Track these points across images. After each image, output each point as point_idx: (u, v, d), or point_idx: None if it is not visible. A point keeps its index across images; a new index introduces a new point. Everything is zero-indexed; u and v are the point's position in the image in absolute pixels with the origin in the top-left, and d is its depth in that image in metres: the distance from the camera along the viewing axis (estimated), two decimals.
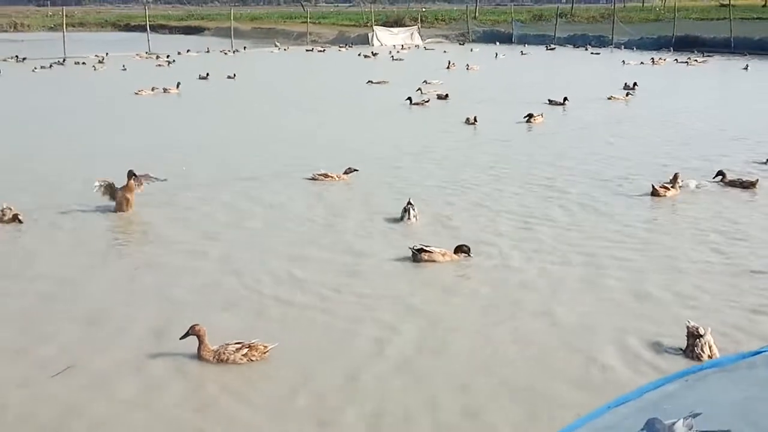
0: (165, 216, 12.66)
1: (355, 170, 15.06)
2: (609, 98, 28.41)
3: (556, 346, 7.60)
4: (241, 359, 7.13)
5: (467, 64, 43.37)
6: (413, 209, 12.19)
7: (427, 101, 27.32)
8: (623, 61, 45.27)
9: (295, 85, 34.75)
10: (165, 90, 31.55)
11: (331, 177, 14.91)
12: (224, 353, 7.16)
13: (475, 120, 22.54)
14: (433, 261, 10.18)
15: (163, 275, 9.82)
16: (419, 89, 29.25)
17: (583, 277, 9.76)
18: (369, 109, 26.73)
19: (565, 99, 26.62)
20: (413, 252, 10.37)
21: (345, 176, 14.95)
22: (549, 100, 27.00)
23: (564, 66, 45.24)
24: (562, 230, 11.85)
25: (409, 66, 45.95)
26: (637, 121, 23.46)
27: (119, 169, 13.45)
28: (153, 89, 31.43)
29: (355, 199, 13.91)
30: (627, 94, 28.77)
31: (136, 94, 30.58)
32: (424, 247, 10.37)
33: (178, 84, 32.57)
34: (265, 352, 7.22)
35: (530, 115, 23.07)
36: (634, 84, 31.19)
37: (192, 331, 7.34)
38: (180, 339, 7.36)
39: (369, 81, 34.96)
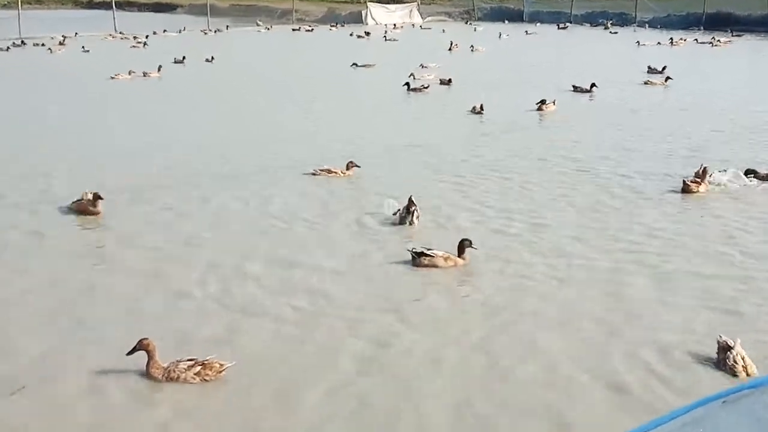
0: (140, 219, 12.58)
1: (357, 166, 15.13)
2: (645, 83, 28.59)
3: (572, 363, 7.54)
4: (193, 378, 7.07)
5: (472, 45, 43.49)
6: (416, 209, 12.09)
7: (426, 87, 27.30)
8: (638, 42, 45.34)
9: (282, 70, 34.79)
10: (145, 74, 31.71)
11: (335, 172, 15.00)
12: (174, 371, 7.11)
13: (482, 109, 22.56)
14: (435, 266, 10.13)
15: (133, 283, 9.75)
16: (412, 75, 29.31)
17: (602, 285, 9.66)
18: (363, 97, 26.68)
19: (593, 86, 26.48)
20: (413, 255, 10.29)
21: (349, 172, 15.07)
22: (574, 87, 26.92)
23: (575, 46, 45.39)
24: (580, 232, 11.78)
25: (402, 47, 46.00)
26: (669, 108, 23.51)
27: (101, 175, 13.30)
28: (130, 73, 31.57)
29: (352, 197, 13.88)
30: (666, 79, 28.76)
31: (113, 78, 30.70)
32: (425, 251, 10.29)
33: (160, 67, 32.72)
34: (220, 371, 7.16)
35: (542, 102, 23.12)
36: (663, 68, 31.23)
37: (140, 346, 7.26)
38: (127, 354, 7.30)
39: (354, 64, 35.05)
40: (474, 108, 22.81)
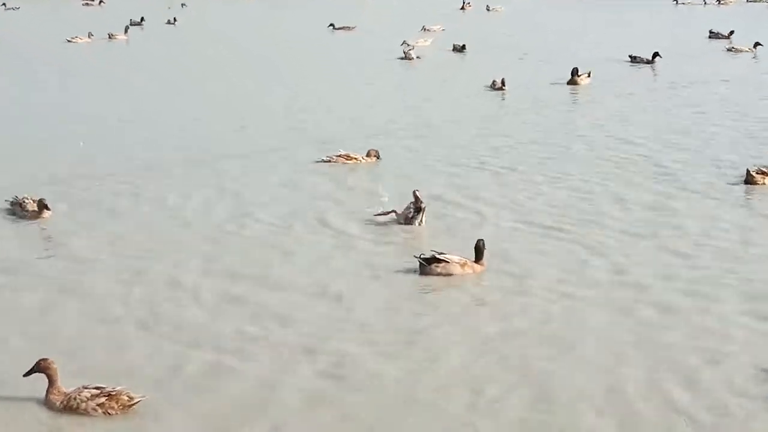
0: (80, 217, 12.38)
1: (376, 153, 15.12)
2: (729, 49, 28.43)
3: (600, 395, 7.38)
4: (95, 410, 6.97)
5: (487, 5, 43.21)
6: (423, 206, 11.72)
7: (416, 56, 27.51)
8: (676, 2, 45.32)
9: (256, 34, 34.50)
10: (110, 36, 31.94)
11: (354, 159, 15.03)
12: (75, 399, 6.99)
13: (503, 84, 22.14)
14: (449, 273, 9.82)
15: (44, 297, 9.51)
16: (405, 42, 29.08)
17: (641, 300, 9.20)
18: (359, 67, 26.37)
19: (656, 55, 25.99)
20: (421, 262, 9.95)
21: (370, 159, 15.10)
22: (631, 57, 26.60)
23: (607, 6, 44.83)
24: (619, 235, 11.25)
25: (400, 4, 45.74)
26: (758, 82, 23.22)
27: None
28: (90, 36, 31.71)
29: (348, 190, 13.63)
30: (755, 45, 28.25)
31: (69, 41, 30.87)
32: (437, 255, 9.95)
33: (127, 28, 33.00)
34: (129, 405, 7.02)
35: (574, 73, 22.76)
36: (730, 33, 31.07)
37: (38, 368, 7.17)
38: (24, 376, 7.21)
39: (331, 25, 34.89)
40: (494, 83, 22.44)
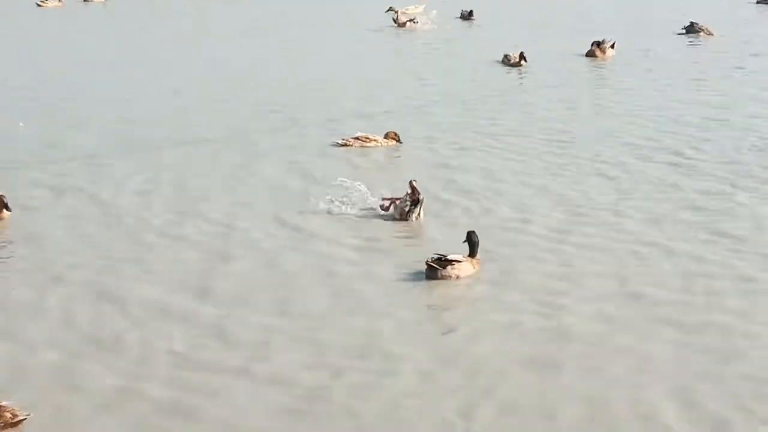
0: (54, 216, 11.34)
1: (398, 140, 14.26)
2: None
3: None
4: None
5: None
6: (421, 198, 10.94)
7: (408, 21, 26.45)
8: None
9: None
10: None
11: (374, 141, 14.26)
12: None
13: (521, 59, 20.21)
14: (458, 276, 9.18)
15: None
16: (390, 8, 27.93)
17: (669, 316, 8.26)
18: (348, 40, 25.12)
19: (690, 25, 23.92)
20: (431, 265, 9.12)
21: (389, 142, 14.31)
22: (687, 26, 24.41)
23: None
24: (639, 249, 9.92)
25: None
26: None
27: None
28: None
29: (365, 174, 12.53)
30: None
31: (39, 6, 30.22)
32: (445, 256, 9.17)
33: None
34: (13, 423, 6.76)
35: (597, 44, 21.20)
36: None
37: None
38: None
39: None
40: (507, 57, 20.65)
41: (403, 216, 10.97)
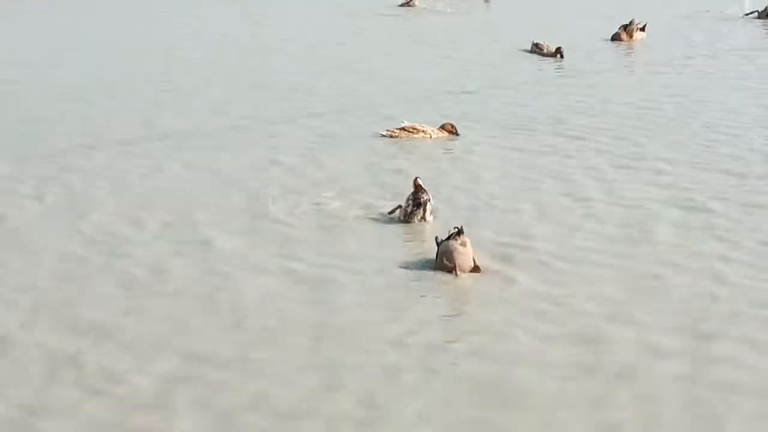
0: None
1: (454, 132, 13.46)
2: None
3: None
4: None
5: None
6: (428, 198, 10.08)
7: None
8: None
9: None
10: None
11: (423, 132, 13.36)
12: None
13: (558, 53, 18.93)
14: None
15: None
16: None
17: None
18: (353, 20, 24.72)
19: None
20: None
21: (441, 134, 13.42)
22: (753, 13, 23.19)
23: None
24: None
25: None
26: None
27: None
28: None
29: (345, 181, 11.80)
30: None
31: None
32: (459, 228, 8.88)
33: None
34: None
35: (624, 27, 20.55)
36: None
37: None
38: None
39: None
40: (538, 46, 19.57)
41: (406, 218, 10.09)
